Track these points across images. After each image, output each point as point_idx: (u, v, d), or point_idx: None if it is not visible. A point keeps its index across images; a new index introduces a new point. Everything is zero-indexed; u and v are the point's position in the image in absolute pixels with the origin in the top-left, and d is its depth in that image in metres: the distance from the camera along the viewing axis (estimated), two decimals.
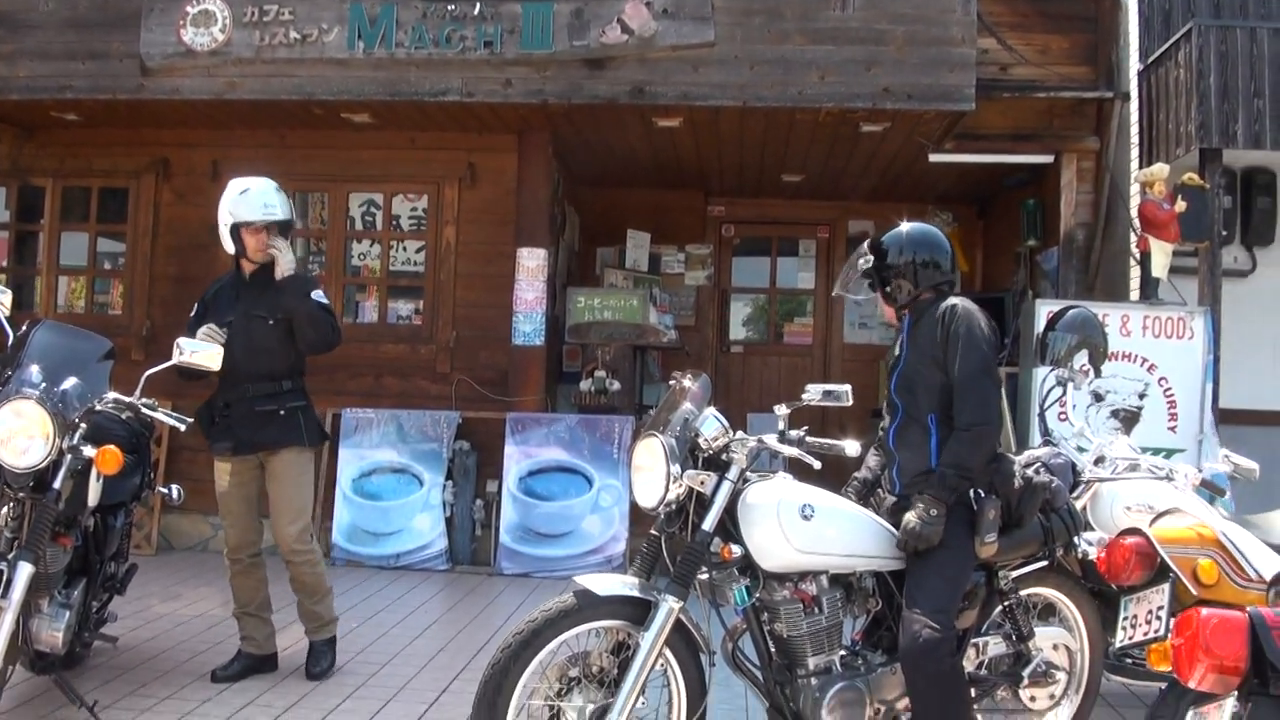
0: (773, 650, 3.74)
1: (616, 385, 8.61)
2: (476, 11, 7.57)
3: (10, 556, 3.92)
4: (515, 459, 8.18)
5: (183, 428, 4.46)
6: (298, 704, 4.91)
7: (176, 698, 4.93)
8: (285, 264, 5.08)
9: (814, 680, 3.67)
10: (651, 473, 3.52)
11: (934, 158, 8.57)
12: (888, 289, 4.04)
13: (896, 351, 4.12)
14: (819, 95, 7.46)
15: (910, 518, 3.70)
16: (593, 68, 7.57)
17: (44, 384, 4.00)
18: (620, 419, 8.29)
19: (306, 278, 5.41)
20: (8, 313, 4.47)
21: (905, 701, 3.81)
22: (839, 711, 3.65)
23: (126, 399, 4.29)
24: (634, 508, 7.95)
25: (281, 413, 5.10)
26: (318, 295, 5.24)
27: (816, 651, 3.69)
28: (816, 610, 3.69)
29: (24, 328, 4.52)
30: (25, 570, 3.88)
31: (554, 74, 7.59)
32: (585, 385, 8.69)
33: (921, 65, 7.35)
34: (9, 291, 4.56)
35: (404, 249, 9.02)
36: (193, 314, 5.25)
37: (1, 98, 8.31)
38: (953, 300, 3.95)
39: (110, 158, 9.00)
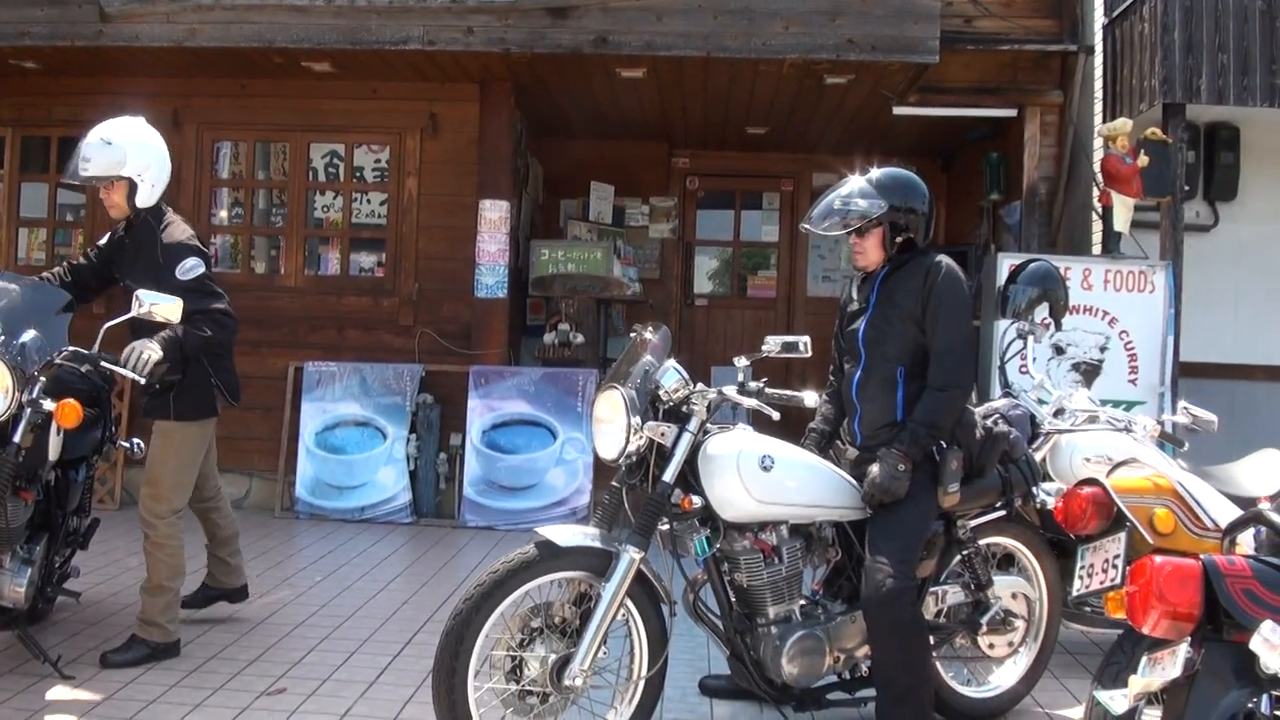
0: (733, 600, 3.78)
1: (580, 338, 8.58)
2: None
3: None
4: (479, 412, 8.16)
5: (142, 381, 4.35)
6: (261, 657, 4.91)
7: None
8: (141, 365, 4.38)
9: (774, 629, 3.71)
10: (612, 425, 3.53)
11: (898, 111, 8.54)
12: (861, 233, 3.92)
13: (855, 302, 4.10)
14: (783, 46, 7.40)
15: (876, 472, 3.72)
16: (556, 16, 7.47)
17: (2, 337, 3.93)
18: (584, 372, 8.28)
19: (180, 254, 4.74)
20: None
21: (865, 649, 3.86)
22: (799, 660, 3.70)
23: (86, 352, 4.21)
24: (598, 460, 7.97)
25: (157, 386, 4.68)
26: (187, 271, 4.65)
27: (776, 601, 3.73)
28: (776, 560, 3.72)
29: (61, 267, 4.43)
30: None
31: (516, 22, 7.49)
32: (549, 338, 8.66)
33: (886, 17, 7.30)
34: None
35: (367, 201, 8.92)
36: (103, 240, 4.97)
37: None
38: (938, 257, 3.93)
39: (70, 106, 8.79)
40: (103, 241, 5.00)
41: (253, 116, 8.76)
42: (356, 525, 7.91)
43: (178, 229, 4.80)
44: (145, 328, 4.43)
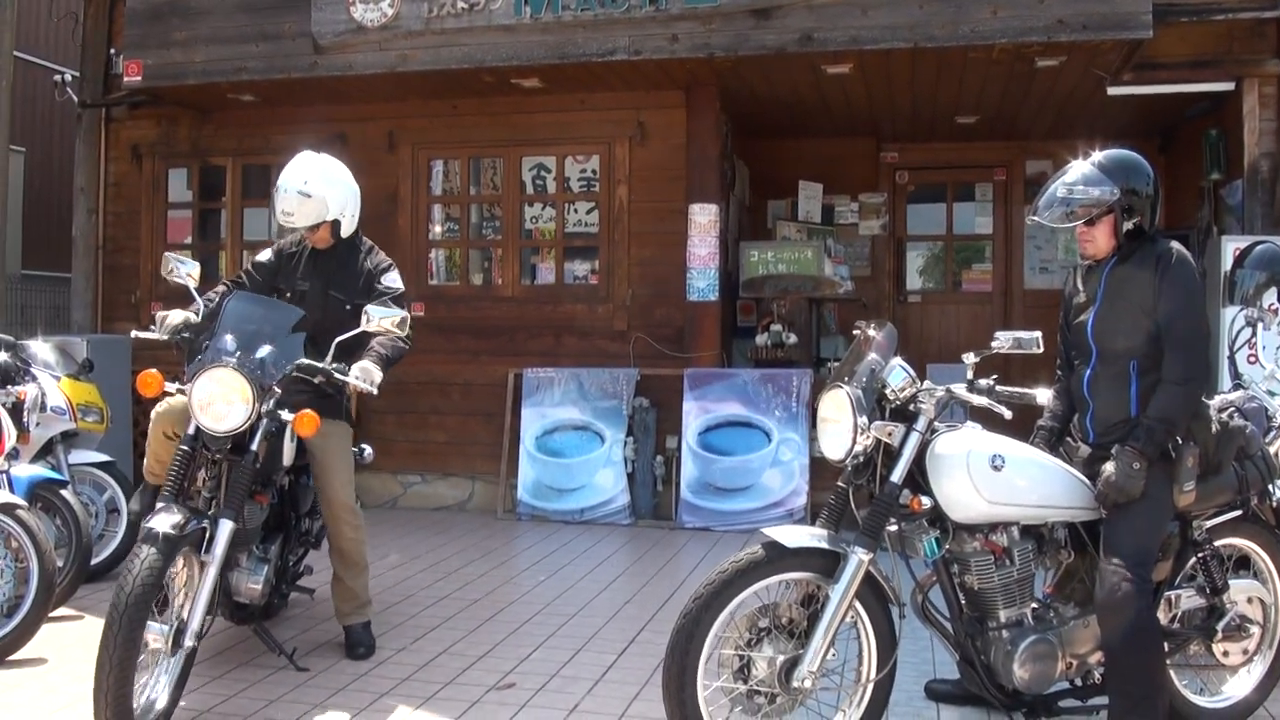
0: (963, 602, 3.69)
1: (793, 338, 8.54)
2: None
3: (211, 514, 4.13)
4: (694, 414, 8.23)
5: (374, 391, 4.58)
6: (490, 653, 5.06)
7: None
8: (369, 379, 4.64)
9: (1005, 633, 3.62)
10: (838, 425, 3.50)
11: (1112, 91, 8.17)
12: (1091, 221, 3.78)
13: (1082, 294, 3.95)
14: (991, 31, 7.21)
15: (1111, 471, 3.58)
16: (759, 17, 7.47)
17: (239, 352, 4.18)
18: (798, 372, 8.25)
19: (388, 269, 5.15)
20: (196, 284, 4.67)
21: (1098, 655, 3.73)
22: (1031, 664, 3.60)
23: (319, 365, 4.44)
24: (814, 461, 7.96)
25: (330, 392, 4.86)
26: (395, 281, 5.07)
27: (1008, 604, 3.63)
28: (1008, 562, 3.63)
29: (217, 299, 4.72)
30: (227, 527, 4.08)
31: (720, 26, 7.53)
32: (761, 339, 8.65)
33: None
34: (197, 264, 4.75)
35: (575, 210, 9.12)
36: (264, 258, 5.20)
37: (179, 83, 8.74)
38: (1170, 244, 3.76)
39: (287, 135, 9.29)
40: (263, 258, 5.23)
41: (465, 134, 9.07)
42: (576, 526, 8.09)
43: (379, 252, 5.20)
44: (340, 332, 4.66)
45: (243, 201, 9.71)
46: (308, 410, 4.26)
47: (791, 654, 3.38)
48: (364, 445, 5.37)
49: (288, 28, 8.27)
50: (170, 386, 4.31)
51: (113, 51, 9.74)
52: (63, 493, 5.66)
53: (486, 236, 9.34)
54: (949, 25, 7.24)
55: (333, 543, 5.01)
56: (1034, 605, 3.73)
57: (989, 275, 11.11)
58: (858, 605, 3.44)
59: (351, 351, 4.63)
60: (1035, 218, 3.84)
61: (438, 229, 9.39)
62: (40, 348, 6.57)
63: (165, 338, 4.64)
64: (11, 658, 4.80)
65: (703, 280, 8.31)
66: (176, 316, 4.67)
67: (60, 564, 5.18)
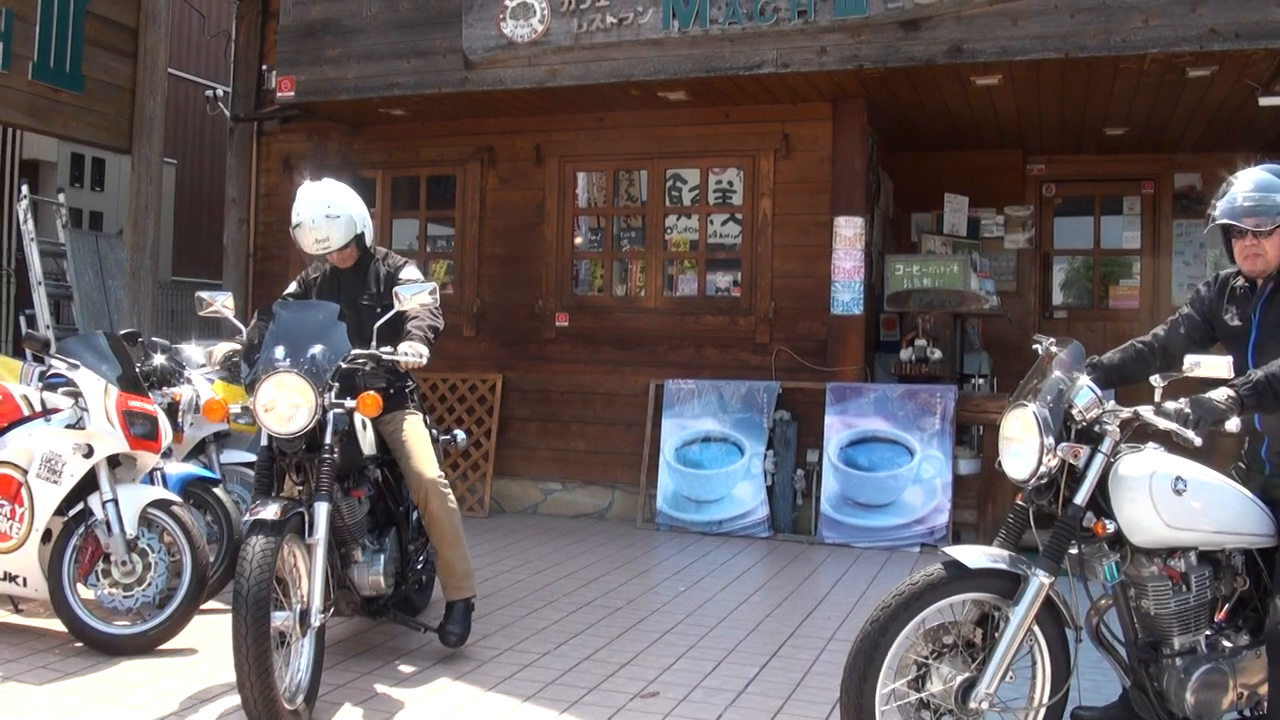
0: (1138, 628, 3.61)
1: (938, 354, 8.43)
2: None
3: (306, 502, 4.29)
4: (835, 429, 8.18)
5: (423, 363, 4.73)
6: (633, 661, 5.11)
7: (517, 649, 5.25)
8: (417, 355, 4.78)
9: (1179, 660, 3.54)
10: (1022, 444, 3.46)
11: (1263, 101, 7.91)
12: (1268, 234, 3.65)
13: (1236, 319, 3.82)
14: (1143, 41, 7.04)
15: (1208, 394, 3.43)
16: (908, 29, 7.42)
17: (290, 357, 4.33)
18: (943, 388, 8.14)
19: (406, 264, 5.36)
20: (233, 312, 4.81)
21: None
22: (1203, 693, 3.50)
23: (368, 352, 4.59)
24: (957, 479, 7.85)
25: (391, 390, 5.06)
26: (415, 272, 5.26)
27: (1183, 631, 3.55)
28: (1185, 588, 3.54)
29: (258, 315, 4.87)
30: (324, 508, 4.25)
31: (869, 38, 7.50)
32: (905, 354, 8.55)
33: (1249, 1, 6.83)
34: (230, 294, 4.94)
35: (716, 222, 9.15)
36: (292, 290, 5.40)
37: (331, 98, 9.03)
38: None
39: (436, 148, 9.57)
40: (291, 290, 5.43)
41: (611, 147, 9.18)
42: (715, 538, 8.10)
43: (393, 255, 5.41)
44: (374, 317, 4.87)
45: (392, 213, 9.97)
46: (368, 392, 4.41)
47: (969, 674, 3.36)
48: (457, 432, 5.66)
49: (439, 44, 8.48)
50: (234, 408, 4.52)
51: (265, 67, 10.12)
52: (215, 490, 5.88)
53: (625, 248, 9.42)
54: (1101, 35, 7.10)
55: (424, 517, 5.10)
56: (1208, 633, 3.63)
57: (1136, 291, 10.81)
58: (1035, 628, 3.40)
59: (392, 338, 4.80)
60: (1223, 220, 3.70)
61: (578, 240, 9.52)
62: (194, 351, 6.82)
63: (216, 369, 4.83)
64: (163, 647, 5.01)
65: (847, 294, 8.26)
66: (223, 347, 4.88)
67: (212, 559, 5.40)
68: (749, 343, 8.73)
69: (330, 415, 4.34)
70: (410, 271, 5.22)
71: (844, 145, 8.38)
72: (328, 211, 5.04)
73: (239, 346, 4.99)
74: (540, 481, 9.22)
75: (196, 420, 6.17)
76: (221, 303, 4.78)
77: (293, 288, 5.41)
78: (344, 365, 4.45)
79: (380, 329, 4.70)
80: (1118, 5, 7.05)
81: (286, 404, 4.22)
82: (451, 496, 5.09)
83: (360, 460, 4.84)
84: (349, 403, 4.38)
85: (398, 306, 4.72)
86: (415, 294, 4.69)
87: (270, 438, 4.33)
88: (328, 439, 4.34)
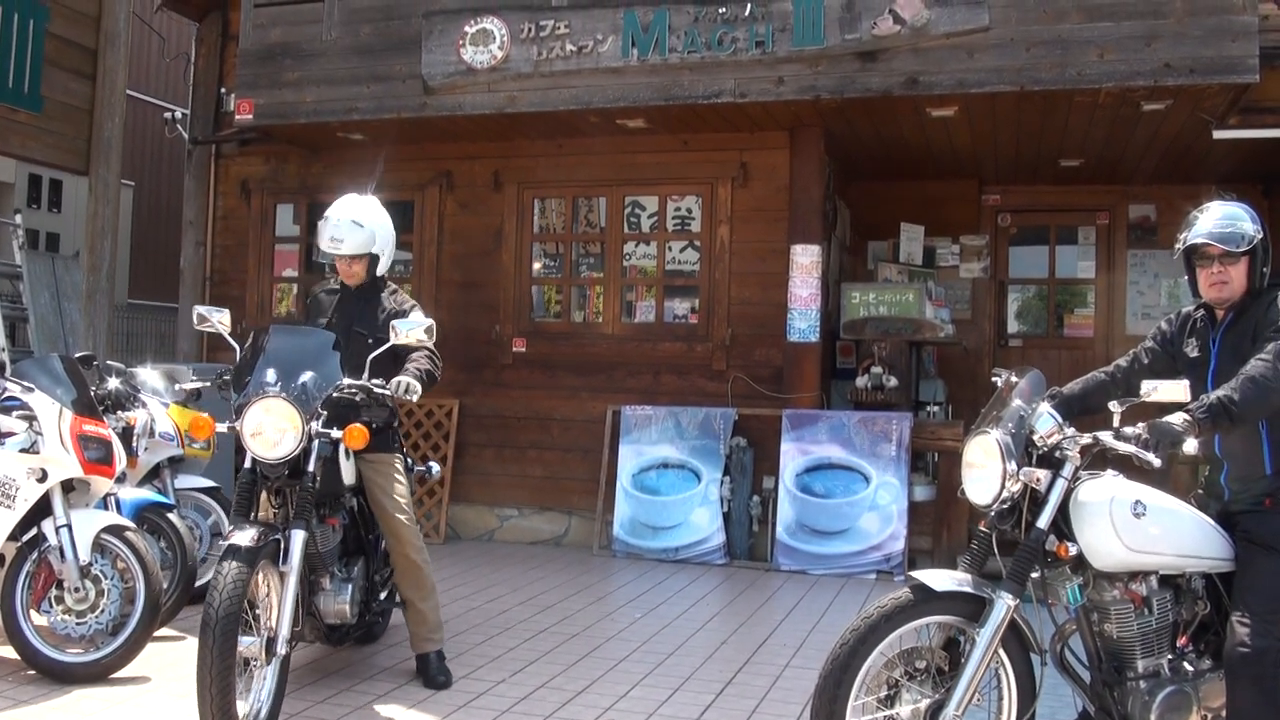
0: (1101, 652, 3.64)
1: (894, 381, 8.48)
2: (748, 12, 7.64)
3: (283, 528, 4.27)
4: (791, 455, 8.19)
5: (415, 398, 4.72)
6: (589, 689, 5.08)
7: (472, 678, 5.19)
8: (406, 391, 4.76)
9: (1143, 684, 3.57)
10: (984, 470, 3.50)
11: (1218, 134, 8.06)
12: (1234, 259, 3.71)
13: (1195, 350, 3.88)
14: (1099, 75, 7.16)
15: (1166, 418, 3.46)
16: (865, 60, 7.50)
17: (280, 381, 4.31)
18: (898, 415, 8.18)
19: (411, 304, 5.31)
20: (229, 330, 4.79)
21: None
22: (1167, 716, 3.54)
23: (359, 383, 4.57)
24: (912, 506, 7.87)
25: (375, 427, 4.96)
26: (419, 311, 5.20)
27: (1146, 654, 3.58)
28: (1146, 611, 3.58)
29: (253, 336, 4.79)
30: (299, 536, 4.24)
31: (826, 69, 7.57)
32: (861, 381, 8.60)
33: (1202, 37, 6.97)
34: (226, 311, 4.88)
35: (673, 249, 9.17)
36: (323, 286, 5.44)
37: (289, 122, 8.96)
38: (1277, 292, 3.73)
39: (395, 173, 9.50)
40: (313, 297, 5.46)
41: (570, 174, 9.18)
42: (671, 565, 8.07)
43: (401, 292, 5.38)
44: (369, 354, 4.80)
45: None
46: (355, 425, 4.40)
47: (935, 698, 3.37)
48: (431, 463, 5.72)
49: (398, 69, 8.46)
50: (221, 427, 4.46)
51: (224, 90, 10.05)
52: (169, 516, 5.81)
53: (584, 274, 9.42)
54: (1056, 68, 7.21)
55: (398, 565, 5.08)
56: (1169, 657, 3.66)
57: (1091, 320, 10.95)
58: (1001, 652, 3.43)
59: (386, 372, 4.77)
60: (1195, 239, 3.74)
61: (537, 266, 9.49)
62: (149, 375, 6.74)
63: (208, 385, 4.81)
64: (116, 675, 4.94)
65: (804, 321, 8.29)
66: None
67: (165, 585, 5.33)
68: (706, 369, 8.73)
69: (315, 444, 4.33)
70: (417, 316, 5.16)
71: (801, 174, 8.43)
72: (354, 218, 5.06)
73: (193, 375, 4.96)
74: (497, 508, 9.15)
75: (151, 445, 6.11)
76: (217, 319, 4.74)
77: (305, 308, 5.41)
78: (334, 394, 4.44)
79: (373, 362, 4.66)
80: (1073, 39, 7.17)
81: (273, 429, 4.22)
82: (425, 551, 5.09)
83: (340, 488, 4.82)
84: (335, 433, 4.37)
85: (393, 339, 4.71)
86: (411, 329, 4.68)
87: (254, 460, 4.30)
88: (310, 466, 4.33)
